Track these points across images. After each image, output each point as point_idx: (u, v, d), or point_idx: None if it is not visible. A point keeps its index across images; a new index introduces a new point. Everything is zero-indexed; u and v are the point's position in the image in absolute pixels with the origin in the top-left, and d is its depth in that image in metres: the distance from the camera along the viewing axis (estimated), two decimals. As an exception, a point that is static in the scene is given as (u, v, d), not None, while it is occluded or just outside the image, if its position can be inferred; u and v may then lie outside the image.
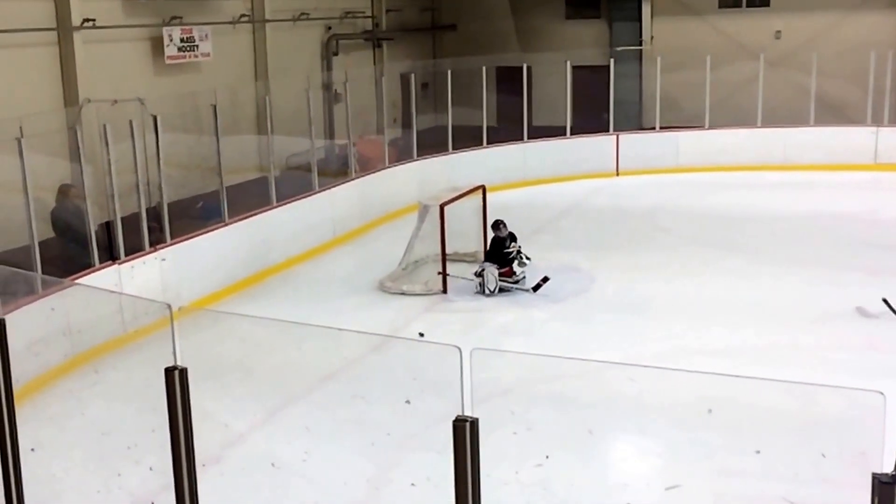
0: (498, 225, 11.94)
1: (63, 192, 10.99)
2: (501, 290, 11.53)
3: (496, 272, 11.54)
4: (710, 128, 18.89)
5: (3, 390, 5.05)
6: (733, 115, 19.06)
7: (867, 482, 3.42)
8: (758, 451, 7.00)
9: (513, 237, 11.96)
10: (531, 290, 11.38)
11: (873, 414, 6.46)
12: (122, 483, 7.00)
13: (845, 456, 6.83)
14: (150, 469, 6.67)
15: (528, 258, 11.82)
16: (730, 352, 9.27)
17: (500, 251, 11.73)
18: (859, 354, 9.09)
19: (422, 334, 9.13)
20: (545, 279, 11.52)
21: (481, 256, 12.22)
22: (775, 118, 18.67)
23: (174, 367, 4.23)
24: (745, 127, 18.83)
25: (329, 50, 20.26)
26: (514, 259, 11.69)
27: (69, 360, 9.22)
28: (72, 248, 10.64)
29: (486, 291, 11.48)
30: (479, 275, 11.62)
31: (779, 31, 21.30)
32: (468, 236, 12.30)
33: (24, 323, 8.40)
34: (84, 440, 7.91)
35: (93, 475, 7.24)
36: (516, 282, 11.58)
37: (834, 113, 18.66)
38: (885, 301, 8.78)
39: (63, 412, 8.42)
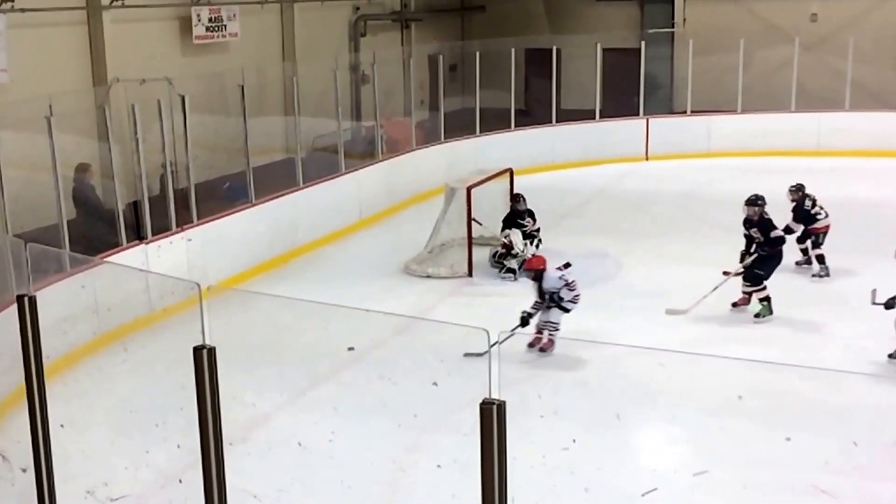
0: (517, 198, 11.94)
1: (81, 170, 11.05)
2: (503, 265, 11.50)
3: (520, 235, 11.55)
4: (743, 112, 18.65)
5: (34, 366, 5.08)
6: (767, 100, 18.80)
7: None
8: (788, 439, 6.93)
9: (531, 215, 11.91)
10: None
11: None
12: (150, 460, 7.05)
13: (877, 445, 6.75)
14: (178, 447, 6.70)
15: (540, 241, 11.78)
16: (760, 339, 9.19)
17: (514, 221, 11.71)
18: (893, 343, 8.95)
19: (351, 348, 9.07)
20: (567, 265, 11.46)
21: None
22: (810, 103, 18.40)
23: (202, 346, 4.22)
24: (778, 111, 18.58)
25: (357, 31, 20.20)
26: (529, 235, 11.67)
27: (98, 337, 9.29)
28: (95, 227, 10.71)
29: (511, 266, 11.44)
30: (506, 248, 11.57)
31: (815, 14, 20.96)
32: (495, 220, 12.24)
33: (54, 300, 8.46)
34: (112, 417, 7.99)
35: (121, 452, 7.32)
36: (515, 256, 11.49)
37: (870, 98, 18.34)
38: (872, 292, 8.80)
39: (92, 389, 8.50)
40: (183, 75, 13.06)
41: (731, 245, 11.71)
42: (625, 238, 13.08)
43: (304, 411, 8.07)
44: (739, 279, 10.02)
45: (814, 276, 11.20)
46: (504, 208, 12.41)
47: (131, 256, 10.02)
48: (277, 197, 12.59)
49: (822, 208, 11.28)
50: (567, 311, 8.99)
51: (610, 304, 10.54)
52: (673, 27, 22.07)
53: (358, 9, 20.27)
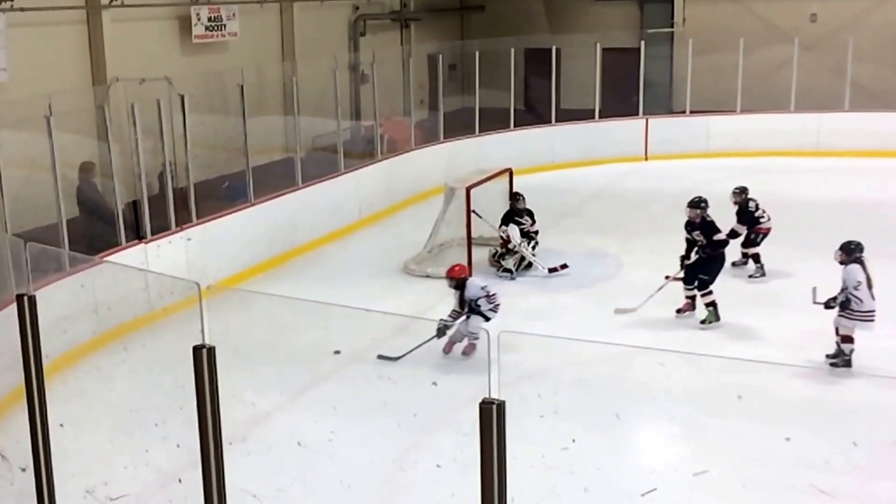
0: (517, 196, 11.96)
1: (85, 169, 11.04)
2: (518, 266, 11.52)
3: (517, 231, 11.57)
4: (742, 112, 18.66)
5: (34, 365, 5.08)
6: (766, 100, 18.80)
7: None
8: (787, 439, 6.93)
9: (530, 214, 11.93)
10: (546, 271, 11.35)
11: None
12: (150, 459, 7.05)
13: (876, 444, 6.75)
14: (178, 446, 6.69)
15: (536, 243, 11.81)
16: (759, 338, 9.18)
17: (512, 219, 11.74)
18: (893, 342, 8.96)
19: (337, 352, 8.99)
20: (564, 265, 11.48)
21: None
22: (809, 103, 18.40)
23: (202, 346, 4.22)
24: (778, 111, 18.59)
25: (356, 30, 20.20)
26: (526, 234, 11.69)
27: (97, 336, 9.30)
28: (97, 226, 10.71)
29: (508, 266, 11.49)
30: (504, 245, 11.63)
31: (814, 14, 20.95)
32: (494, 220, 12.24)
33: (54, 299, 8.46)
34: (112, 416, 7.98)
35: (120, 451, 7.32)
36: (514, 253, 11.51)
37: (869, 98, 18.33)
38: (813, 290, 8.87)
39: (92, 388, 8.51)
40: (182, 75, 13.05)
41: (731, 245, 11.74)
42: (624, 237, 13.08)
43: (303, 410, 8.08)
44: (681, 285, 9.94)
45: (750, 276, 11.22)
46: (503, 208, 12.41)
47: (131, 256, 10.02)
48: (277, 196, 12.59)
49: (764, 211, 11.35)
50: (487, 319, 8.91)
51: (609, 303, 10.55)
52: (672, 27, 22.07)
53: (357, 8, 20.27)
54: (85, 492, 6.64)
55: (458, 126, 17.32)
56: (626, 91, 18.88)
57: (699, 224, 9.76)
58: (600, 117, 18.68)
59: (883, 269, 11.28)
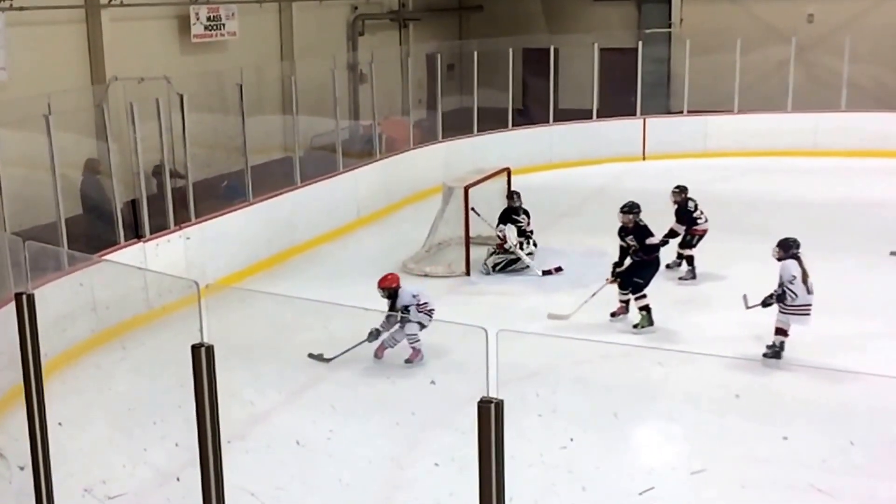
0: (512, 195, 11.97)
1: (90, 167, 11.04)
2: (505, 267, 11.54)
3: (514, 231, 11.58)
4: (740, 112, 18.69)
5: (32, 364, 5.09)
6: (763, 100, 18.82)
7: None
8: (785, 438, 6.94)
9: (527, 213, 11.94)
10: (540, 273, 11.37)
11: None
12: (148, 458, 7.07)
13: (874, 444, 6.77)
14: (176, 445, 6.71)
15: (534, 244, 11.82)
16: (758, 338, 9.18)
17: (508, 217, 11.74)
18: (890, 342, 8.99)
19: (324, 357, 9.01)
20: (559, 268, 11.50)
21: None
22: (806, 103, 18.41)
23: (201, 345, 4.23)
24: (775, 111, 18.60)
25: (355, 30, 20.20)
26: (522, 233, 11.70)
27: (96, 335, 9.31)
28: (98, 225, 10.72)
29: (490, 262, 11.57)
30: (501, 245, 11.68)
31: (811, 15, 20.97)
32: (492, 219, 12.25)
33: (53, 298, 8.46)
34: (111, 415, 7.99)
35: (119, 450, 7.33)
36: (510, 251, 11.55)
37: (866, 98, 18.37)
38: (744, 297, 8.96)
39: (90, 387, 8.52)
40: (181, 74, 13.04)
41: (728, 243, 11.78)
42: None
43: (302, 409, 8.09)
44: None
45: (681, 278, 11.20)
46: (501, 208, 12.43)
47: (130, 255, 10.03)
48: (275, 195, 12.60)
49: (702, 213, 11.31)
50: (423, 326, 8.82)
51: (607, 302, 10.56)
52: (670, 27, 22.09)
53: (356, 8, 20.27)
54: (83, 490, 6.65)
55: (457, 126, 17.33)
56: (623, 91, 18.88)
57: (632, 229, 9.69)
58: (598, 117, 18.68)
59: (881, 268, 11.39)
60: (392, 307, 8.96)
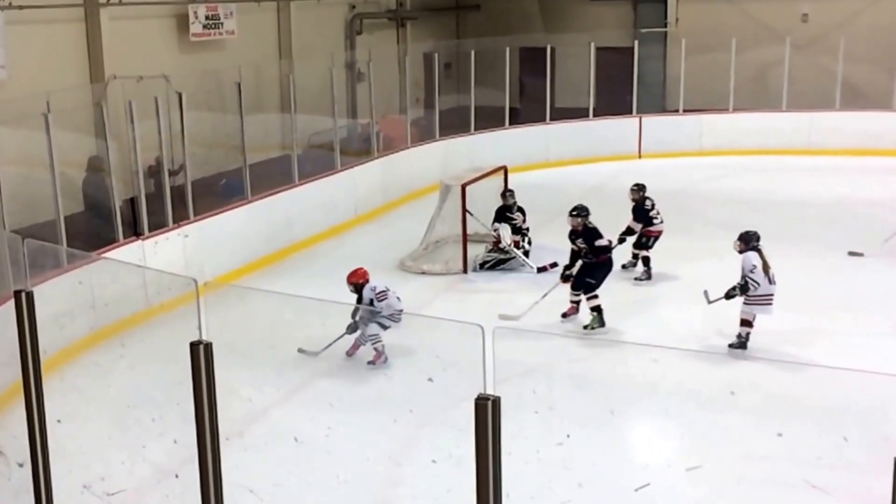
0: (506, 193, 11.99)
1: (93, 165, 11.05)
2: (495, 265, 11.56)
3: (509, 230, 11.61)
4: (735, 111, 18.73)
5: (31, 361, 5.11)
6: (758, 99, 18.90)
7: (889, 467, 3.40)
8: (780, 435, 6.97)
9: (522, 211, 11.97)
10: (535, 270, 11.40)
11: (897, 399, 6.47)
12: (147, 455, 7.09)
13: (868, 441, 6.80)
14: (175, 442, 6.74)
15: (529, 241, 11.84)
16: (753, 336, 9.22)
17: (503, 216, 11.76)
18: (884, 340, 9.04)
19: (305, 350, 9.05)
20: (554, 264, 11.52)
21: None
22: (801, 102, 18.46)
23: (199, 342, 4.25)
24: (770, 110, 18.67)
25: (353, 29, 20.23)
26: (518, 230, 11.73)
27: (95, 332, 9.32)
28: (98, 222, 10.74)
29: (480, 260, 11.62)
30: (496, 244, 11.73)
31: (806, 14, 21.03)
32: (489, 217, 12.28)
33: (52, 295, 8.49)
34: (110, 412, 8.01)
35: (117, 446, 7.35)
36: (506, 251, 11.58)
37: (860, 97, 18.41)
38: (704, 293, 9.13)
39: (89, 384, 8.53)
40: (180, 73, 13.07)
41: (725, 241, 11.76)
42: (618, 235, 13.10)
43: (300, 406, 8.12)
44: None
45: (636, 279, 11.20)
46: (498, 205, 12.46)
47: (128, 252, 10.05)
48: (274, 194, 12.63)
49: (658, 213, 11.28)
50: (384, 326, 8.72)
51: (603, 300, 10.60)
52: (666, 26, 22.13)
53: (354, 7, 20.30)
54: (82, 487, 6.66)
55: (454, 124, 17.36)
56: (619, 90, 18.91)
57: (581, 232, 9.66)
58: (594, 116, 18.71)
59: (875, 266, 11.43)
60: (358, 302, 8.92)
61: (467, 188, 11.92)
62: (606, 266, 9.70)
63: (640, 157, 18.52)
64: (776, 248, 11.85)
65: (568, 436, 7.13)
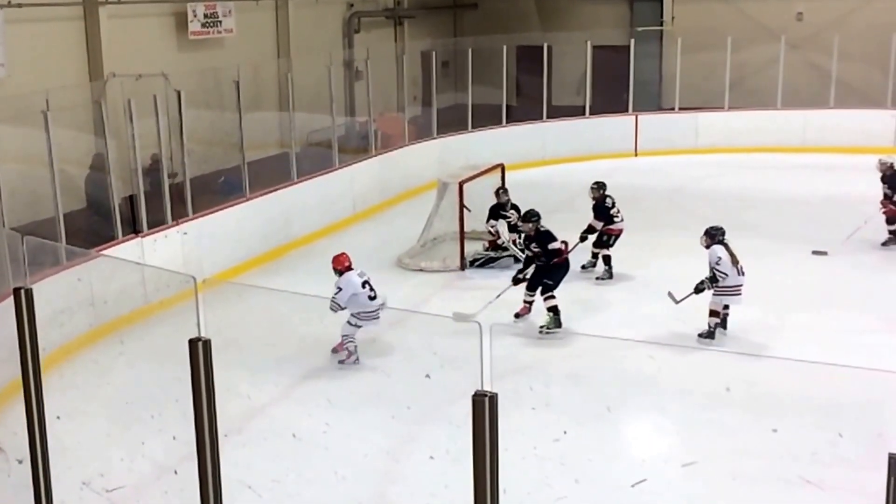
0: (499, 191, 11.99)
1: (98, 163, 11.06)
2: (485, 263, 11.67)
3: (505, 227, 11.64)
4: (730, 109, 18.79)
5: (31, 358, 5.13)
6: (753, 97, 18.92)
7: (884, 463, 3.44)
8: (774, 431, 7.02)
9: (516, 208, 11.98)
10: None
11: (891, 395, 6.51)
12: (146, 451, 7.10)
13: (862, 437, 6.83)
14: (174, 438, 6.75)
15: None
16: (748, 332, 9.28)
17: (497, 213, 11.79)
18: (878, 337, 9.08)
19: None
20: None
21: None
22: (795, 100, 18.51)
23: (198, 339, 4.27)
24: (764, 108, 18.71)
25: (351, 27, 20.23)
26: (513, 228, 11.76)
27: (94, 329, 9.34)
28: (96, 220, 10.76)
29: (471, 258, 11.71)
30: (493, 243, 11.82)
31: (800, 13, 21.06)
32: (486, 214, 12.31)
33: (51, 293, 8.50)
34: (108, 409, 8.03)
35: (117, 443, 7.37)
36: (503, 248, 11.66)
37: (854, 95, 18.46)
38: (669, 294, 9.29)
39: (88, 381, 8.54)
40: (179, 71, 13.08)
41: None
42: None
43: (298, 403, 8.15)
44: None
45: (598, 278, 11.22)
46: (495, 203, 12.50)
47: (127, 250, 10.06)
48: (272, 191, 12.65)
49: (619, 211, 11.29)
50: (358, 327, 8.66)
51: (600, 297, 10.66)
52: (662, 25, 22.16)
53: (352, 5, 20.30)
54: (81, 483, 6.67)
55: (451, 122, 17.39)
56: (616, 88, 18.95)
57: (534, 236, 9.65)
58: (591, 114, 18.76)
59: (870, 264, 11.49)
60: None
61: (464, 186, 11.95)
62: (564, 267, 9.71)
63: (636, 154, 18.56)
64: (771, 246, 12.01)
65: (565, 432, 7.17)
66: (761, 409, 7.38)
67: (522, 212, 12.11)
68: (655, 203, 15.05)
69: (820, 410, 7.25)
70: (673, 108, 19.31)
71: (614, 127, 18.66)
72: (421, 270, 11.80)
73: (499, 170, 13.00)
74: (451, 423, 6.80)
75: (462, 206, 11.87)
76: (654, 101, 20.99)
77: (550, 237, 9.64)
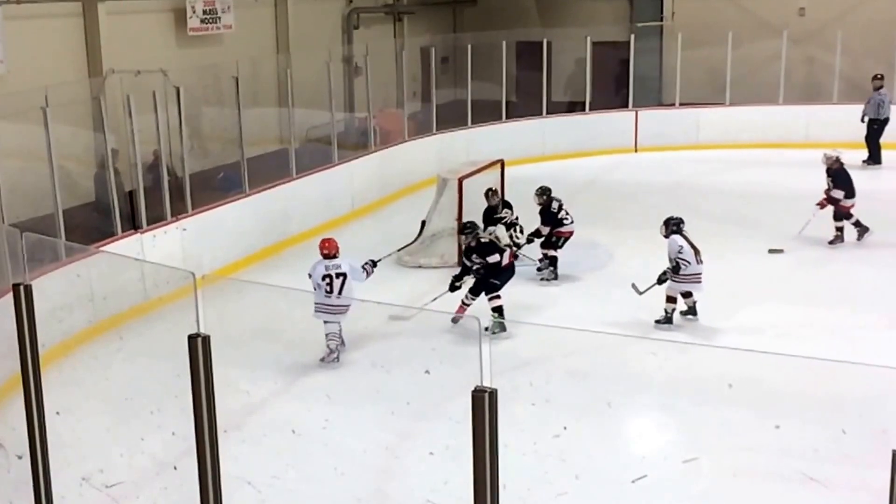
0: (488, 193, 11.88)
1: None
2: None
3: (503, 230, 11.60)
4: (731, 104, 18.73)
5: (30, 354, 5.14)
6: (755, 92, 18.87)
7: (887, 459, 3.42)
8: (777, 427, 7.00)
9: (508, 205, 11.94)
10: (537, 263, 11.40)
11: (895, 392, 6.49)
12: (145, 447, 7.11)
13: (866, 433, 6.82)
14: (173, 434, 6.75)
15: (521, 231, 11.79)
16: (750, 328, 9.28)
17: (491, 218, 11.76)
18: (881, 333, 9.07)
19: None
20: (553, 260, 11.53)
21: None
22: (797, 95, 18.50)
23: (197, 335, 4.28)
24: (766, 104, 18.67)
25: (350, 23, 20.20)
26: (510, 225, 11.72)
27: (93, 325, 9.34)
28: (95, 216, 10.76)
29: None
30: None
31: (802, 8, 21.01)
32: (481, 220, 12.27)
33: (50, 289, 8.50)
34: (108, 404, 8.03)
35: (116, 439, 7.37)
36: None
37: (857, 91, 18.40)
38: (633, 286, 9.54)
39: (87, 377, 8.54)
40: (178, 67, 13.08)
41: (720, 235, 11.85)
42: (614, 228, 13.15)
43: (297, 399, 8.15)
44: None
45: (542, 279, 11.19)
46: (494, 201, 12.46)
47: (126, 246, 10.07)
48: (271, 187, 12.64)
49: (567, 213, 11.28)
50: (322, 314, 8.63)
51: (600, 293, 10.65)
52: (662, 21, 22.12)
53: (351, 1, 20.27)
54: (81, 479, 6.68)
55: (451, 118, 17.37)
56: (616, 84, 18.94)
57: (475, 248, 9.55)
58: (590, 110, 18.71)
59: (872, 259, 11.47)
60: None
61: (464, 182, 11.92)
62: (509, 271, 9.67)
63: (636, 150, 18.54)
64: (773, 241, 11.99)
65: (565, 428, 7.17)
66: (764, 405, 7.36)
67: (513, 209, 12.11)
68: (656, 199, 15.00)
69: (823, 407, 7.24)
70: (673, 104, 19.26)
71: (614, 123, 18.63)
72: (420, 267, 11.78)
73: (498, 166, 12.98)
74: (451, 419, 6.80)
75: (461, 202, 11.81)
76: (655, 97, 20.96)
77: (491, 248, 9.55)
